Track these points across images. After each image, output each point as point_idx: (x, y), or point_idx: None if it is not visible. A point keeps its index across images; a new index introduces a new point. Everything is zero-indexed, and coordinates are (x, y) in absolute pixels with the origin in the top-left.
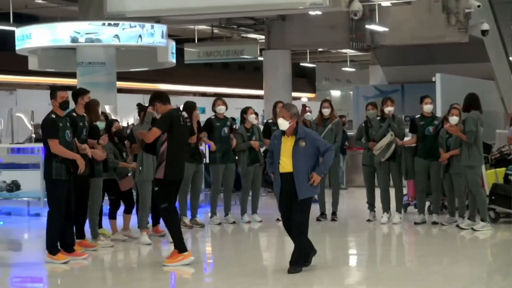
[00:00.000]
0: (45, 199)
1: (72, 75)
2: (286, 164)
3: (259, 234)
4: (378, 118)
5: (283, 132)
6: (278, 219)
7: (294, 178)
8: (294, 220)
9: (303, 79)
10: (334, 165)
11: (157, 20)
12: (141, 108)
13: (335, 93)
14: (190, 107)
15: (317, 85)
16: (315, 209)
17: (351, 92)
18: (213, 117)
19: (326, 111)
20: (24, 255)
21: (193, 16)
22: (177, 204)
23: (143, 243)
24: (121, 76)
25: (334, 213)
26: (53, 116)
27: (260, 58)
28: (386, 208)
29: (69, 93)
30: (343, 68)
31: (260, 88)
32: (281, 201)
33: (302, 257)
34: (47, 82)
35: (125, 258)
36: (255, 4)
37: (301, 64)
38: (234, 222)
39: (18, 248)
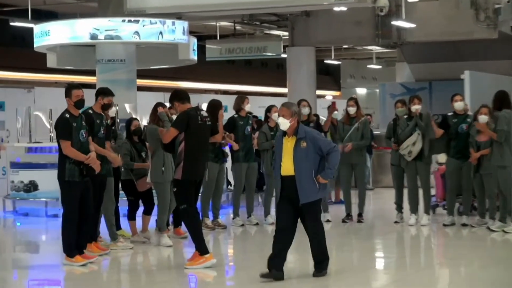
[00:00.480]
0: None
1: (91, 73)
2: (287, 167)
3: None
4: (406, 116)
5: (284, 133)
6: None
7: (296, 181)
8: (309, 227)
9: (328, 76)
10: (361, 164)
11: (178, 16)
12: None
13: (361, 91)
14: (215, 105)
15: (342, 82)
16: (341, 211)
17: (377, 90)
18: (236, 115)
19: (352, 110)
20: (42, 257)
21: (215, 12)
22: (198, 205)
23: (164, 245)
24: (141, 74)
25: (360, 215)
26: (67, 115)
27: (284, 55)
28: (414, 209)
29: (86, 91)
30: (368, 65)
31: (284, 86)
32: (279, 206)
33: (325, 259)
34: (65, 80)
35: (145, 260)
36: (279, 0)
37: (325, 61)
38: (257, 224)
39: (36, 250)
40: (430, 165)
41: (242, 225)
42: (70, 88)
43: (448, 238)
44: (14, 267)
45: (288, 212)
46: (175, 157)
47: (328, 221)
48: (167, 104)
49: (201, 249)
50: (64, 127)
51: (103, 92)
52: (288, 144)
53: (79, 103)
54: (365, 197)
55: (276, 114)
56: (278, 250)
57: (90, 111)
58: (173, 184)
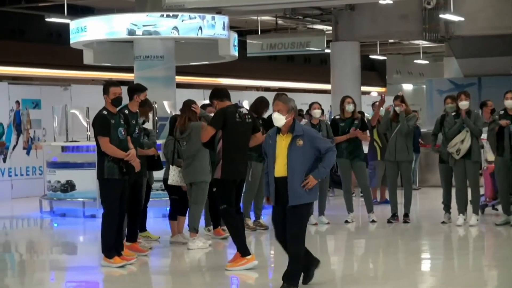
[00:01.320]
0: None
1: (129, 70)
2: (280, 167)
3: (326, 237)
4: (453, 113)
5: (278, 130)
6: (346, 221)
7: (288, 181)
8: (289, 231)
9: (373, 72)
10: (406, 163)
11: (218, 11)
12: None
13: (407, 87)
14: (259, 102)
15: (388, 78)
16: (386, 211)
17: (424, 86)
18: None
19: (399, 109)
20: (80, 258)
21: (256, 6)
22: (241, 205)
23: (195, 248)
24: (181, 70)
25: (406, 215)
26: (105, 112)
27: (327, 51)
28: (462, 209)
29: (124, 88)
30: (415, 61)
31: (327, 82)
32: (274, 210)
33: (297, 273)
34: (103, 77)
35: (186, 262)
36: None
37: (370, 56)
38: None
39: (73, 251)
40: (479, 163)
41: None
42: (108, 85)
43: (500, 238)
44: (52, 269)
45: (281, 217)
46: (214, 156)
47: (373, 221)
48: (203, 102)
49: (243, 250)
50: (102, 124)
51: (138, 89)
52: (283, 142)
53: (117, 100)
54: (411, 197)
55: (316, 110)
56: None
57: (126, 111)
58: (213, 183)
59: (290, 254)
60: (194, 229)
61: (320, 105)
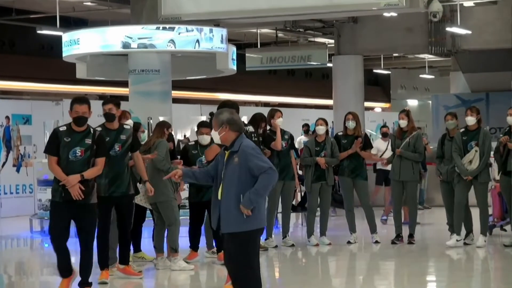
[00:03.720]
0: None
1: (124, 84)
2: (221, 188)
3: (328, 258)
4: (462, 130)
5: (226, 148)
6: (349, 242)
7: (221, 204)
8: (228, 263)
9: (377, 87)
10: (412, 182)
11: (216, 23)
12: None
13: (412, 103)
14: (255, 119)
15: (392, 93)
16: (391, 231)
17: (430, 102)
18: (268, 130)
19: (403, 123)
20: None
21: (256, 18)
22: None
23: (177, 269)
24: (177, 85)
25: (411, 235)
26: (62, 129)
27: (329, 65)
28: (458, 229)
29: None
30: (421, 75)
31: (329, 97)
32: (224, 240)
33: None
34: (96, 91)
35: (179, 284)
36: (323, 5)
37: (374, 70)
38: (293, 245)
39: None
40: (487, 183)
41: (276, 246)
42: (72, 101)
43: (508, 260)
44: None
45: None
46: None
47: (376, 242)
48: (200, 118)
49: None
50: (50, 141)
51: (103, 103)
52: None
53: (78, 120)
54: (416, 217)
55: (320, 127)
56: None
57: (99, 128)
58: None
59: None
60: (174, 250)
61: (324, 121)
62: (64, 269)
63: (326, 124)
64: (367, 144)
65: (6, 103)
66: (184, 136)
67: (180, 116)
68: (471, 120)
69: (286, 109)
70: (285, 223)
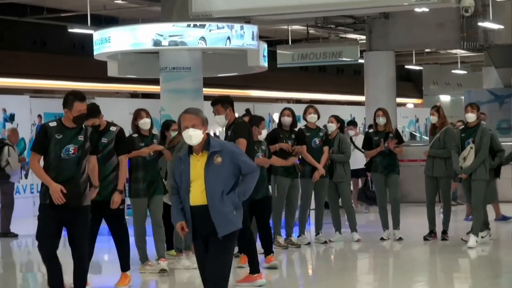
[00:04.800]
0: (128, 217)
1: (155, 82)
2: (197, 194)
3: (361, 255)
4: (462, 127)
5: (190, 150)
6: (382, 238)
7: (210, 209)
8: (209, 269)
9: (409, 83)
10: (445, 178)
11: (247, 20)
12: (248, 113)
13: (445, 98)
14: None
15: (424, 89)
16: (425, 226)
17: (463, 97)
18: (303, 126)
19: (434, 119)
20: (102, 278)
21: (287, 15)
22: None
23: (181, 267)
24: (208, 82)
25: (444, 232)
26: (52, 124)
27: (361, 61)
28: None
29: (151, 102)
30: (453, 71)
31: (361, 93)
32: (196, 246)
33: None
34: (128, 89)
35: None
36: (355, 1)
37: (406, 66)
38: (325, 242)
39: (98, 271)
40: (483, 181)
41: (309, 243)
42: (74, 98)
43: None
44: None
45: (203, 253)
46: None
47: (400, 239)
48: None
49: (253, 267)
50: (38, 137)
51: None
52: (198, 164)
53: (79, 119)
54: (450, 213)
55: (332, 124)
56: None
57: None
58: None
59: None
60: (179, 250)
61: (336, 118)
62: (56, 286)
63: (338, 121)
64: (399, 139)
65: (38, 102)
66: (214, 134)
67: (211, 113)
68: (471, 116)
69: (318, 106)
70: (318, 220)
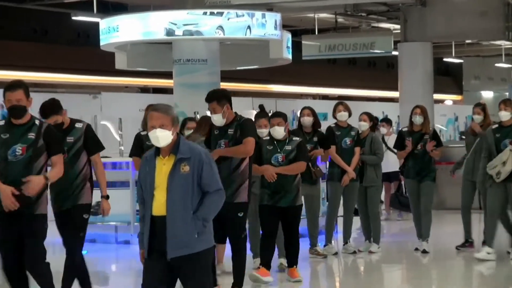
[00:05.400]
0: (136, 224)
1: (168, 75)
2: (161, 203)
3: (392, 266)
4: (495, 126)
5: (158, 151)
6: (417, 249)
7: (167, 223)
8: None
9: (448, 77)
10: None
11: (269, 7)
12: (262, 110)
13: (487, 95)
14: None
15: (465, 84)
16: (460, 234)
17: (507, 93)
18: (333, 125)
19: (478, 119)
20: None
21: (313, 1)
22: None
23: None
24: (226, 76)
25: (485, 243)
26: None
27: (395, 53)
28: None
29: (164, 96)
30: (496, 64)
31: (395, 89)
32: (146, 265)
33: None
34: (137, 84)
35: None
36: None
37: (444, 59)
38: (354, 252)
39: (105, 282)
40: None
41: (336, 253)
42: (4, 88)
43: None
44: None
45: (158, 273)
46: (228, 176)
47: (424, 251)
48: (252, 111)
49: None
50: None
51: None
52: (163, 168)
53: (13, 111)
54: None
55: (363, 122)
56: None
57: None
58: (240, 208)
59: None
60: None
61: (368, 116)
62: None
63: (370, 120)
64: (437, 142)
65: (39, 96)
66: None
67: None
68: (505, 115)
69: (348, 102)
70: (347, 227)
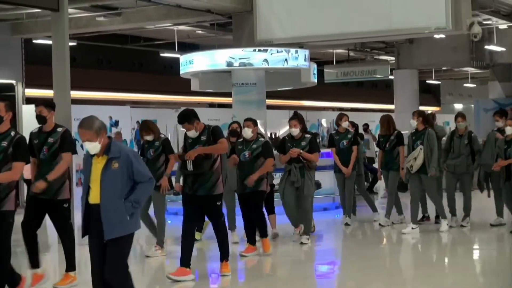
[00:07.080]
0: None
1: (228, 94)
2: (94, 193)
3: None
4: (413, 131)
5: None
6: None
7: (101, 210)
8: (106, 273)
9: (429, 94)
10: (466, 174)
11: (301, 45)
12: (296, 115)
13: (458, 106)
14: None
15: (442, 99)
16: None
17: (472, 106)
18: (334, 131)
19: (462, 125)
20: None
21: (332, 41)
22: None
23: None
24: (270, 95)
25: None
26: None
27: (391, 77)
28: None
29: (225, 111)
30: (464, 84)
31: (391, 103)
32: (91, 245)
33: None
34: (206, 101)
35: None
36: (386, 29)
37: (427, 81)
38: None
39: None
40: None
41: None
42: None
43: None
44: (167, 258)
45: (98, 252)
46: (205, 172)
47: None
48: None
49: (227, 254)
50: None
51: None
52: (98, 166)
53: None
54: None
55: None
56: None
57: (35, 130)
58: (218, 198)
59: None
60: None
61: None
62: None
63: (353, 125)
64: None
65: (137, 111)
66: (275, 134)
67: (272, 119)
68: (414, 123)
69: (357, 113)
70: (348, 206)
